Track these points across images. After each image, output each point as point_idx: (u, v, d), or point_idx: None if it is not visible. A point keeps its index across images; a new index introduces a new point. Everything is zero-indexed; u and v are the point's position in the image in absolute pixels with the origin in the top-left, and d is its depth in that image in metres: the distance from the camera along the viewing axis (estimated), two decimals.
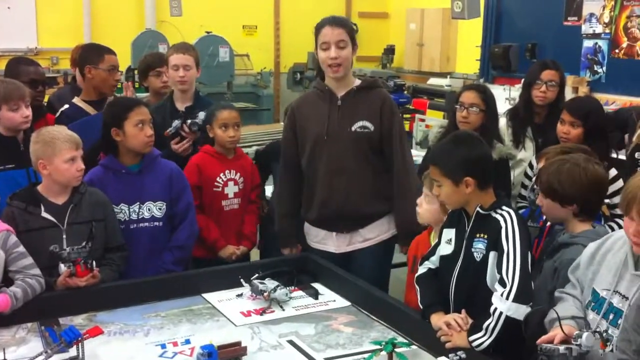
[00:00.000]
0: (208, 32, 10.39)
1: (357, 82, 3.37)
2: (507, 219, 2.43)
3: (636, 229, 2.02)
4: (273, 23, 12.97)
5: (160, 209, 3.28)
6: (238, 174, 3.72)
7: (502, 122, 4.18)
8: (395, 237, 3.46)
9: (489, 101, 3.79)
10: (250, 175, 3.80)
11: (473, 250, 2.49)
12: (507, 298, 2.29)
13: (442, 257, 2.64)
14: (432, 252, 2.72)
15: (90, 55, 4.06)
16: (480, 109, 3.73)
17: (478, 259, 2.47)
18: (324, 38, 3.21)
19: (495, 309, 2.31)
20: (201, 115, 3.77)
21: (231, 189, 3.70)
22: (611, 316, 2.12)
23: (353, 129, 3.27)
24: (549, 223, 2.89)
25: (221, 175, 3.67)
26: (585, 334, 2.00)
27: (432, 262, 2.71)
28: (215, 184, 3.65)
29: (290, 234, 3.53)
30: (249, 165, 3.84)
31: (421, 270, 2.72)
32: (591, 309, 2.19)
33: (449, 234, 2.62)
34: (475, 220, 2.51)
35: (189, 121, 3.72)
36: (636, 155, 3.56)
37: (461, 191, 2.47)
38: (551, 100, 3.93)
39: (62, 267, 2.82)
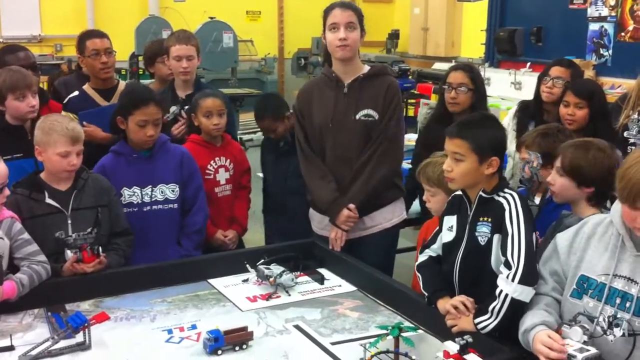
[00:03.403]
0: (211, 18, 10.35)
1: (366, 69, 3.31)
2: (511, 201, 2.41)
3: None
4: (277, 8, 12.94)
5: (173, 191, 3.31)
6: (228, 160, 3.73)
7: (513, 110, 4.17)
8: (399, 225, 3.43)
9: (476, 80, 3.79)
10: (239, 161, 3.81)
11: (477, 234, 2.47)
12: (512, 280, 2.28)
13: (445, 245, 2.62)
14: (433, 240, 2.71)
15: (78, 45, 4.09)
16: (469, 88, 3.73)
17: (482, 243, 2.45)
18: (334, 19, 3.17)
19: (501, 291, 2.30)
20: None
21: (222, 176, 3.71)
22: (618, 300, 2.10)
23: (357, 117, 3.23)
24: (537, 201, 2.91)
25: (211, 162, 3.67)
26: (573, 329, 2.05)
27: (433, 250, 2.69)
28: (207, 171, 3.64)
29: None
30: (238, 151, 3.84)
31: (422, 258, 2.71)
32: (590, 297, 2.16)
33: (450, 221, 2.60)
34: (478, 205, 2.49)
35: (186, 107, 3.78)
36: (625, 134, 3.62)
37: (481, 170, 2.44)
38: (559, 98, 3.88)
39: (69, 253, 2.82)
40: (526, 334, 2.17)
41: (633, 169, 2.00)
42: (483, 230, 2.46)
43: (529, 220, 2.39)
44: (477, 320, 2.34)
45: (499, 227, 2.41)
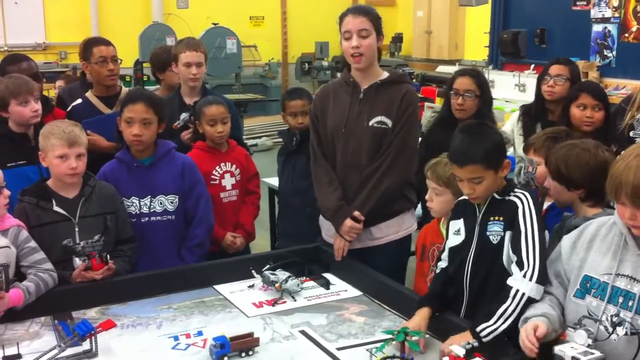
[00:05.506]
0: (215, 24, 10.39)
1: (385, 75, 3.23)
2: (524, 200, 2.42)
3: (632, 213, 2.01)
4: (280, 13, 12.96)
5: (172, 202, 3.27)
6: (234, 166, 3.72)
7: (515, 115, 4.17)
8: (408, 238, 3.34)
9: (483, 86, 3.78)
10: (246, 166, 3.80)
11: (488, 233, 2.46)
12: (530, 279, 2.26)
13: (452, 248, 2.61)
14: (443, 249, 2.70)
15: (83, 50, 4.09)
16: (476, 94, 3.72)
17: (495, 242, 2.45)
18: (346, 27, 3.10)
19: (517, 290, 2.27)
20: None
21: (228, 181, 3.70)
22: (620, 299, 2.10)
23: (370, 123, 3.15)
24: (545, 205, 2.90)
25: (217, 168, 3.66)
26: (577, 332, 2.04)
27: (444, 261, 2.68)
28: (212, 177, 3.63)
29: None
30: (243, 156, 3.83)
31: (436, 271, 2.71)
32: (592, 296, 2.17)
33: (457, 225, 2.60)
34: (489, 206, 2.49)
35: None
36: (631, 134, 3.64)
37: (499, 177, 2.45)
38: (561, 96, 3.87)
39: (77, 261, 2.82)
40: (523, 322, 2.19)
41: (617, 164, 2.03)
42: (495, 229, 2.46)
43: (541, 220, 2.40)
44: (479, 328, 2.28)
45: (510, 224, 2.42)
